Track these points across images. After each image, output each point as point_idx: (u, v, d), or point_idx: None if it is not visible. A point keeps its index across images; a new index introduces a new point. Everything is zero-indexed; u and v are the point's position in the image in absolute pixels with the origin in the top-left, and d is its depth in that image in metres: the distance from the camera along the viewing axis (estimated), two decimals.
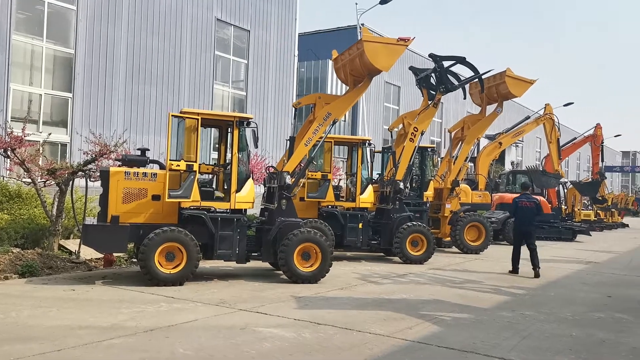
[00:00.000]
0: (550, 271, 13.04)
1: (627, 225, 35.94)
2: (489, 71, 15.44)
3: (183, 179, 9.67)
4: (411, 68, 15.35)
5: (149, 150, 10.36)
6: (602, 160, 25.29)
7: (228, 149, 10.62)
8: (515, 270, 12.37)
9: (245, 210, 10.45)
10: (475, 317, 7.89)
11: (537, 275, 11.84)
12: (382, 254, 14.77)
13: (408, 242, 13.39)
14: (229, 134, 10.65)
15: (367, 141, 13.73)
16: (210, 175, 11.09)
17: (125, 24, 18.74)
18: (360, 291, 9.61)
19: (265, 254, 10.53)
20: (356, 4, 27.00)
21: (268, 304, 8.25)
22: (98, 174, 10.34)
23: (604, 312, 8.53)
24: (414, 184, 16.32)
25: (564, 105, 31.28)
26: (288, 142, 11.15)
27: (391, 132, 15.03)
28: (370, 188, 13.89)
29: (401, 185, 13.67)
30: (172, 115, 9.60)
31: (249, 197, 10.25)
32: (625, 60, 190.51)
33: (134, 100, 20.01)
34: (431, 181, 16.51)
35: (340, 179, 16.28)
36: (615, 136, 68.10)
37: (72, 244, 11.51)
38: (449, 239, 16.56)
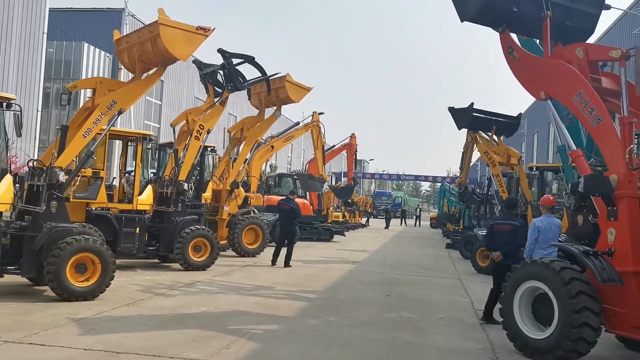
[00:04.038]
0: (329, 272, 13.57)
1: (366, 225, 40.43)
2: (276, 74, 15.48)
3: None
4: (195, 62, 14.44)
5: None
6: (355, 167, 27.87)
7: None
8: (273, 263, 14.01)
9: (1, 213, 8.39)
10: (285, 327, 7.56)
11: (286, 266, 13.76)
12: (157, 260, 13.53)
13: (190, 248, 12.47)
14: None
15: (148, 136, 12.41)
16: None
17: None
18: (151, 307, 8.46)
19: (26, 266, 8.57)
20: None
21: (41, 331, 6.63)
22: None
23: (394, 313, 9.03)
24: (192, 185, 15.39)
25: (319, 114, 33.47)
26: (59, 131, 9.30)
27: (174, 128, 13.92)
28: (149, 188, 12.57)
29: (185, 186, 12.69)
30: None
31: (6, 197, 8.26)
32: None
33: None
34: (209, 182, 15.82)
35: (114, 178, 14.45)
36: None
37: None
38: (225, 242, 16.05)
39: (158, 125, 33.22)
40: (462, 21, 8.30)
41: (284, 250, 14.11)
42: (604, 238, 6.57)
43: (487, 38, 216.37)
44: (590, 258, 6.32)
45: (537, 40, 10.09)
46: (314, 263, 15.37)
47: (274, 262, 14.06)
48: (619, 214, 6.38)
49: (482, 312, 8.84)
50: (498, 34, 8.29)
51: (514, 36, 8.58)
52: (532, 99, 44.11)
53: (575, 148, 7.32)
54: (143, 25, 10.93)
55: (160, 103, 34.16)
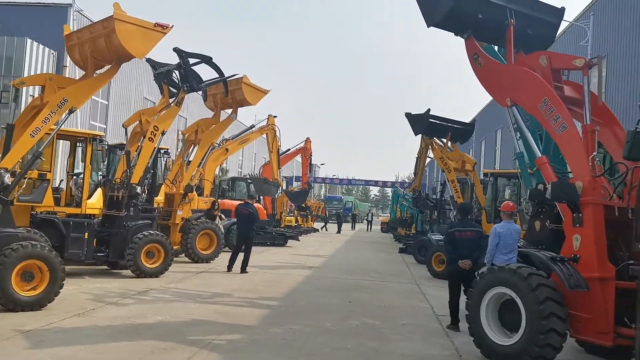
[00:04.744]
0: (286, 278, 13.32)
1: (319, 230, 40.31)
2: (233, 75, 15.13)
3: None
4: (149, 60, 13.90)
5: None
6: (311, 171, 27.69)
7: None
8: (229, 268, 13.68)
9: None
10: (249, 337, 7.29)
11: (242, 272, 13.44)
12: (105, 267, 12.93)
13: (143, 254, 11.96)
14: None
15: (99, 137, 11.85)
16: None
17: None
18: (103, 317, 7.99)
19: None
20: None
21: None
22: None
23: (357, 319, 8.88)
24: (144, 188, 14.81)
25: (274, 117, 33.23)
26: (5, 130, 8.70)
27: (125, 129, 13.33)
28: (99, 192, 12.03)
29: (138, 189, 12.16)
30: None
31: None
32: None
33: None
34: (162, 185, 15.30)
35: (61, 180, 13.67)
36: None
37: None
38: (178, 247, 15.55)
39: (105, 126, 32.05)
40: (428, 26, 8.31)
41: (240, 256, 13.78)
42: (569, 244, 6.65)
43: (436, 44, 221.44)
44: (557, 264, 6.37)
45: (496, 47, 10.26)
46: (270, 269, 15.09)
47: (230, 267, 13.72)
48: (584, 221, 6.46)
49: (447, 317, 8.84)
50: (463, 40, 8.35)
51: None
52: (480, 106, 45.37)
53: (540, 155, 7.41)
54: (92, 22, 10.43)
55: (107, 103, 32.98)
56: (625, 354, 6.89)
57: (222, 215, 16.75)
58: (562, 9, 8.76)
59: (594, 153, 6.77)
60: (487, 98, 44.75)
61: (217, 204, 16.58)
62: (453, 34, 8.50)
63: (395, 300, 11.18)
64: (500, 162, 35.95)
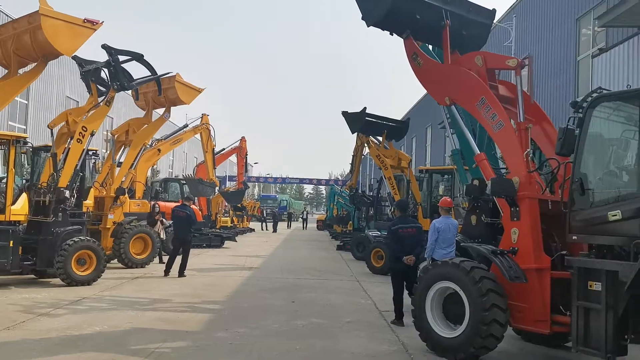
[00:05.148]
0: (227, 280, 13.09)
1: (254, 230, 39.97)
2: (166, 74, 14.67)
3: None
4: (75, 58, 13.21)
5: None
6: (246, 171, 27.35)
7: None
8: (167, 273, 13.33)
9: None
10: (194, 343, 7.08)
11: (180, 275, 13.22)
12: (32, 276, 12.22)
13: (74, 261, 11.39)
14: None
15: (23, 139, 11.15)
16: None
17: None
18: (36, 329, 7.53)
19: None
20: None
21: None
22: None
23: (303, 319, 8.85)
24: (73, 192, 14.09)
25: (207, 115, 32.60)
26: None
27: (51, 130, 12.61)
28: (24, 197, 11.32)
29: (66, 193, 11.57)
30: None
31: None
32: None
33: None
34: (91, 189, 14.62)
35: None
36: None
37: None
38: (110, 252, 14.93)
39: (24, 127, 30.34)
40: (368, 26, 8.39)
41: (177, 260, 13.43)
42: (507, 237, 6.89)
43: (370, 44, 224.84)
44: (497, 257, 6.60)
45: (430, 47, 10.50)
46: (209, 271, 14.79)
47: (167, 272, 13.32)
48: (521, 215, 6.73)
49: (390, 312, 8.97)
50: (402, 40, 8.49)
51: None
52: (410, 104, 46.52)
53: (478, 152, 7.65)
54: (13, 18, 9.81)
55: (26, 102, 31.21)
56: (556, 339, 7.29)
57: (164, 220, 16.23)
58: (493, 11, 9.10)
59: (528, 149, 7.07)
60: (416, 96, 45.98)
61: (157, 207, 16.06)
62: (390, 33, 8.65)
63: (337, 298, 11.24)
64: (431, 159, 36.98)
